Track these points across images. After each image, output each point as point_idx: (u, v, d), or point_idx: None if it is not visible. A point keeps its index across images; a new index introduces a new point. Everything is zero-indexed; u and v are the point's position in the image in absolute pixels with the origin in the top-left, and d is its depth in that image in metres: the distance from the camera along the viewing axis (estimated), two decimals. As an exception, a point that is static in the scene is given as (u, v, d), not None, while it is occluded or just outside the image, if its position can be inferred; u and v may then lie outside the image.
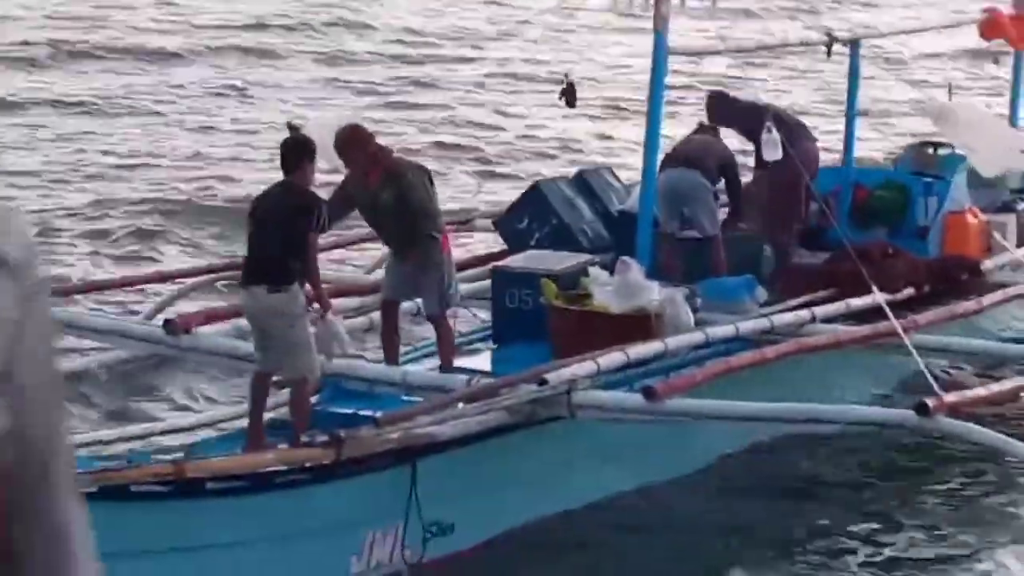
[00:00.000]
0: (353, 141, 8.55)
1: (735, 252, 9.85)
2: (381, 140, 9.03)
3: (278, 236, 7.77)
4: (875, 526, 8.22)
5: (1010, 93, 12.06)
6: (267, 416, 8.04)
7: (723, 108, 10.36)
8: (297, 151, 8.07)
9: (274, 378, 8.05)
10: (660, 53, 9.54)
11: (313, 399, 8.14)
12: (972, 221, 10.68)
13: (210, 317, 9.07)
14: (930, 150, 11.16)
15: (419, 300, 8.87)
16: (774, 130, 9.65)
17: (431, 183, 8.75)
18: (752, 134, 10.04)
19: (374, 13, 24.43)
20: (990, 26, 10.95)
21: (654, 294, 8.92)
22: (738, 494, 8.60)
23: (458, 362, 8.81)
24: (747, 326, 8.96)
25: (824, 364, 9.06)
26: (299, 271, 7.79)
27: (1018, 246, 10.89)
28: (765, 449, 8.87)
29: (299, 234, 7.78)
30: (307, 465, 7.13)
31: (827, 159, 11.07)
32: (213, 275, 10.62)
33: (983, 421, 7.77)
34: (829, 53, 10.34)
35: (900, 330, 8.28)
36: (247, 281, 7.95)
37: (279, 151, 8.22)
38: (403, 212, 8.44)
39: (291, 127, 8.98)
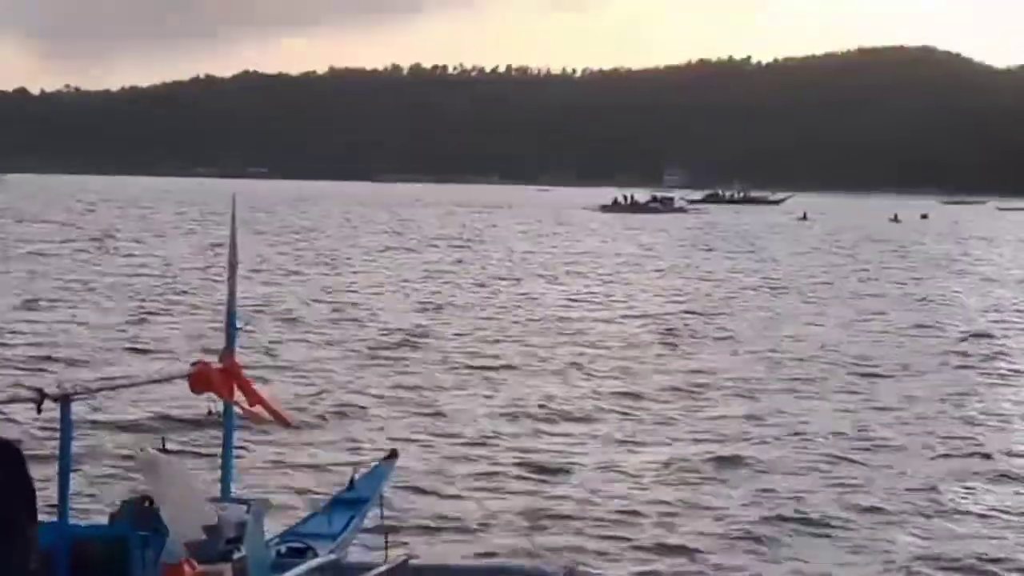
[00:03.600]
0: None
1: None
2: None
3: None
4: None
5: (222, 452, 12.20)
6: None
7: None
8: None
9: None
10: None
11: None
12: (188, 573, 10.68)
13: None
14: (147, 503, 11.12)
15: None
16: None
17: None
18: None
19: None
20: (199, 379, 11.16)
21: None
22: None
23: None
24: None
25: None
26: None
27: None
28: None
29: None
30: None
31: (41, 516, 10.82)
32: None
33: None
34: (39, 410, 10.18)
35: None
36: None
37: None
38: None
39: None
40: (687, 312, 43.34)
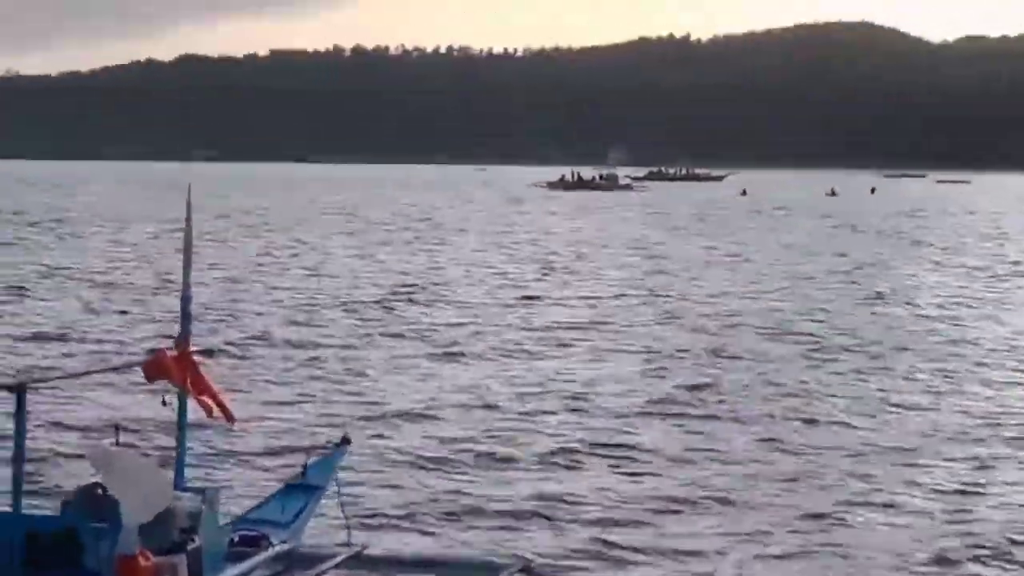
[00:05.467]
0: None
1: None
2: None
3: None
4: None
5: (177, 435, 12.10)
6: None
7: None
8: None
9: None
10: None
11: None
12: (143, 564, 10.57)
13: None
14: (100, 490, 11.01)
15: None
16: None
17: None
18: None
19: None
20: (154, 366, 11.06)
21: None
22: None
23: None
24: None
25: None
26: None
27: (192, 584, 10.86)
28: None
29: None
30: None
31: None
32: None
33: None
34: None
35: None
36: None
37: None
38: None
39: None
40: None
